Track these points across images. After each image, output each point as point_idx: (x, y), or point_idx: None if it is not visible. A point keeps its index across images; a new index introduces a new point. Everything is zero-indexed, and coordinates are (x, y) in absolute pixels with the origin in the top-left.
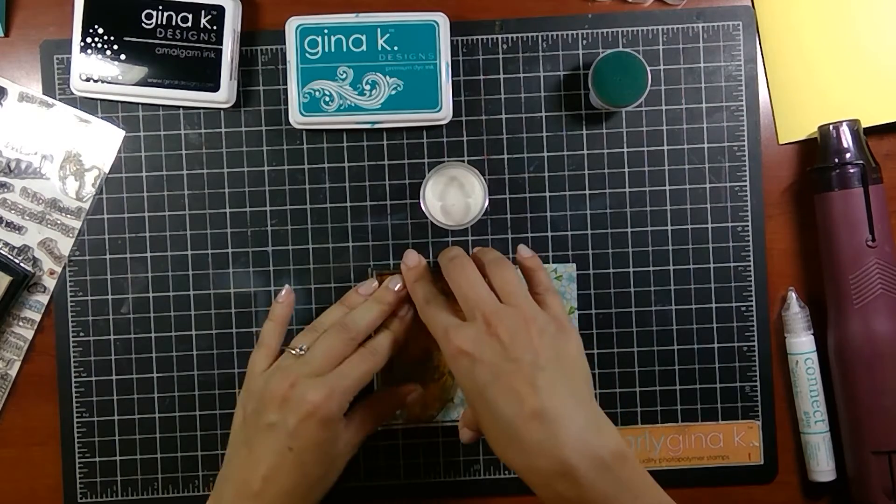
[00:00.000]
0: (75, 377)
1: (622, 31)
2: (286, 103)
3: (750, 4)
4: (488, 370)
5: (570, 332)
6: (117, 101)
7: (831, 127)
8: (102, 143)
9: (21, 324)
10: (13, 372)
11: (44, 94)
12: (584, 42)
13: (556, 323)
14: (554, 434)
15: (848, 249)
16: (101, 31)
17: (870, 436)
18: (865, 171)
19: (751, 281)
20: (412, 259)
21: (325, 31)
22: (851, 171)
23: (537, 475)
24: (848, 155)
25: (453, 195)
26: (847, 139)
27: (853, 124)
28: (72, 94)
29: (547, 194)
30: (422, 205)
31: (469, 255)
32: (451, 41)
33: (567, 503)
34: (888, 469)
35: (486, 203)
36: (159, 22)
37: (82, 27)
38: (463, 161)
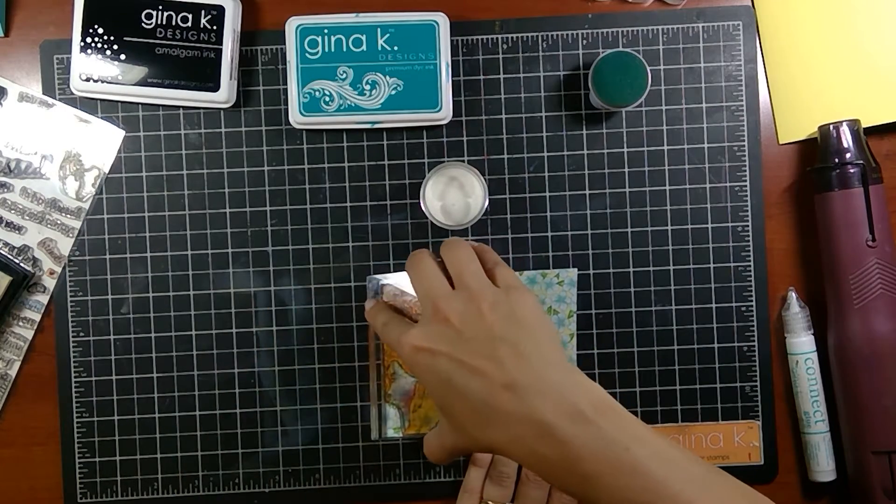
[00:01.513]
0: (75, 377)
1: (622, 31)
2: (286, 103)
3: (750, 4)
4: (448, 358)
5: (523, 294)
6: (117, 101)
7: (831, 127)
8: (102, 143)
9: (21, 324)
10: (13, 372)
11: (44, 94)
12: (584, 42)
13: (507, 291)
14: (528, 399)
15: (848, 249)
16: (101, 31)
17: (870, 436)
18: (865, 171)
19: (751, 281)
20: (369, 303)
21: (325, 31)
22: (851, 171)
23: (519, 445)
24: (848, 155)
25: (453, 195)
26: (847, 139)
27: (853, 124)
28: (72, 94)
29: (547, 194)
30: (422, 205)
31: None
32: (451, 41)
33: (553, 465)
34: (888, 469)
35: (486, 203)
36: (159, 22)
37: (82, 27)
38: (463, 161)
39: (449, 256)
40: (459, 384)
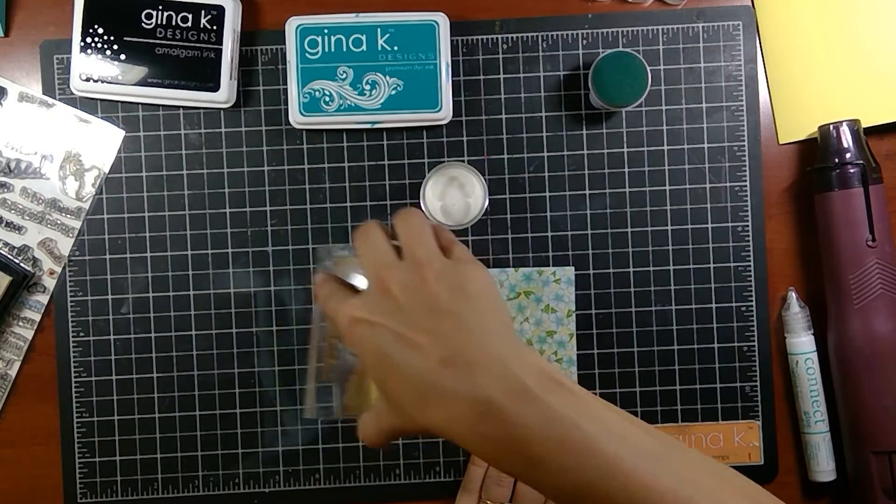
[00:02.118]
0: (75, 377)
1: (622, 31)
2: (286, 103)
3: (750, 4)
4: (386, 330)
5: (473, 268)
6: (117, 101)
7: (831, 127)
8: (102, 143)
9: (21, 324)
10: (13, 372)
11: (44, 94)
12: (584, 42)
13: (457, 263)
14: (469, 375)
15: (848, 249)
16: (101, 31)
17: (870, 436)
18: (865, 171)
19: (751, 281)
20: (318, 276)
21: (325, 31)
22: (851, 170)
23: (460, 425)
24: (848, 155)
25: (453, 195)
26: (847, 139)
27: (853, 124)
28: (72, 94)
29: (547, 194)
30: (422, 205)
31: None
32: (451, 41)
33: (498, 447)
34: (888, 469)
35: (486, 203)
36: (159, 22)
37: (82, 27)
38: (463, 161)
39: (400, 226)
40: (397, 359)
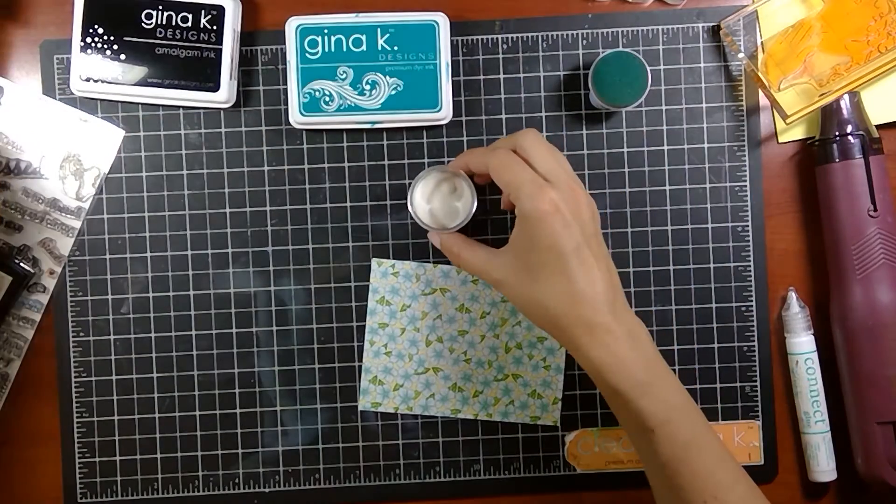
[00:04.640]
0: (75, 377)
1: (622, 31)
2: (286, 103)
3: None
4: (577, 235)
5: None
6: (117, 101)
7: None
8: (102, 143)
9: (21, 324)
10: (13, 372)
11: (44, 94)
12: (584, 42)
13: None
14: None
15: (850, 220)
16: (101, 31)
17: (874, 406)
18: (866, 142)
19: (751, 281)
20: (495, 145)
21: (325, 31)
22: (852, 141)
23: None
24: (848, 126)
25: (442, 199)
26: (847, 111)
27: (853, 96)
28: (72, 94)
29: None
30: (409, 208)
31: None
32: (451, 41)
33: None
34: (893, 439)
35: (475, 206)
36: (159, 22)
37: (82, 27)
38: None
39: (537, 158)
40: (573, 264)
